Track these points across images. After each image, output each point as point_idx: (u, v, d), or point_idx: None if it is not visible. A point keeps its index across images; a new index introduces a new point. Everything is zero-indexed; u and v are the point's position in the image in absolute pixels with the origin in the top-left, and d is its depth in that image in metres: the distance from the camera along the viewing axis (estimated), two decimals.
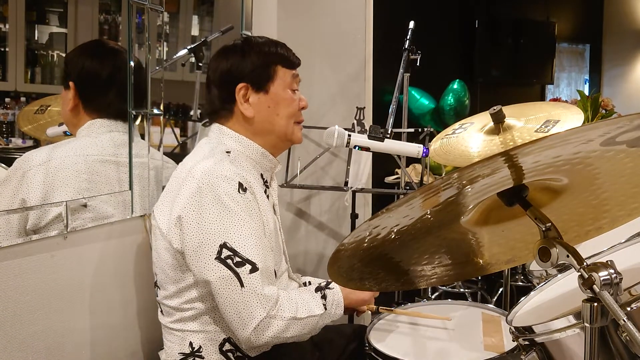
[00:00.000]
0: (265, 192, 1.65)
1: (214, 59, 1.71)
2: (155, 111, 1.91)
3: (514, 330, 1.22)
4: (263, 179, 1.67)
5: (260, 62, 1.65)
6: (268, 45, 1.68)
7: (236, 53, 1.67)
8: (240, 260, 1.46)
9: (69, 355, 1.59)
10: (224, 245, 1.47)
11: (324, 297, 1.63)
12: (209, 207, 1.48)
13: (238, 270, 1.46)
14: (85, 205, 1.68)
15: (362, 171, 2.63)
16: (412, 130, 2.65)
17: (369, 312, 1.84)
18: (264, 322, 1.46)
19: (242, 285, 1.46)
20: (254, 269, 1.47)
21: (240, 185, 1.51)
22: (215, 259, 1.46)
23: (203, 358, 1.59)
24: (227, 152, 1.60)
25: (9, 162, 1.70)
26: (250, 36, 1.74)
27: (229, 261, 1.46)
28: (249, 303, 1.46)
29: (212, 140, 1.66)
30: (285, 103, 1.66)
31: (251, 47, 1.67)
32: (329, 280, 1.51)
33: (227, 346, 1.59)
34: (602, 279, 0.93)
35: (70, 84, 1.79)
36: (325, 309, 1.61)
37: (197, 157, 1.59)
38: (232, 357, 1.60)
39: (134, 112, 1.82)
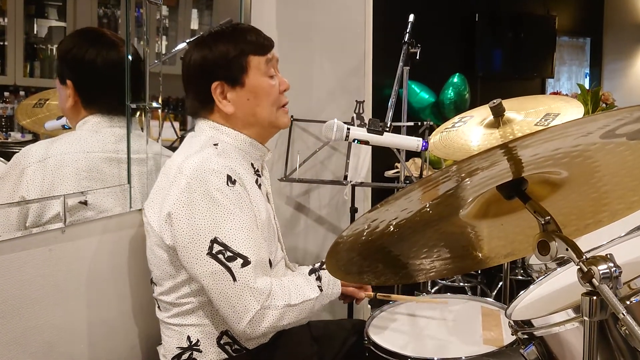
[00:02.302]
0: (257, 181, 1.64)
1: (183, 63, 1.66)
2: (154, 104, 1.90)
3: (513, 324, 1.21)
4: (254, 168, 1.66)
5: (230, 55, 1.59)
6: (235, 35, 1.62)
7: (203, 50, 1.61)
8: (231, 254, 1.46)
9: (67, 349, 1.59)
10: (214, 241, 1.46)
11: (318, 278, 1.62)
12: (199, 203, 1.47)
13: (230, 264, 1.45)
14: (85, 203, 1.66)
15: (361, 165, 2.63)
16: (411, 124, 2.63)
17: (368, 306, 1.84)
18: (259, 314, 1.46)
19: (234, 279, 1.45)
20: (246, 262, 1.46)
21: (229, 177, 1.50)
22: (207, 254, 1.46)
23: (201, 352, 1.59)
24: (215, 144, 1.59)
25: (8, 157, 1.68)
26: (214, 29, 1.67)
27: (220, 256, 1.45)
28: (242, 297, 1.45)
29: (198, 135, 1.64)
30: (264, 93, 1.63)
31: (217, 40, 1.61)
32: (323, 260, 1.51)
33: (225, 339, 1.59)
34: (601, 272, 0.92)
35: (68, 82, 1.74)
36: (321, 290, 1.60)
37: (185, 153, 1.58)
38: (230, 350, 1.60)
39: (132, 106, 1.80)
